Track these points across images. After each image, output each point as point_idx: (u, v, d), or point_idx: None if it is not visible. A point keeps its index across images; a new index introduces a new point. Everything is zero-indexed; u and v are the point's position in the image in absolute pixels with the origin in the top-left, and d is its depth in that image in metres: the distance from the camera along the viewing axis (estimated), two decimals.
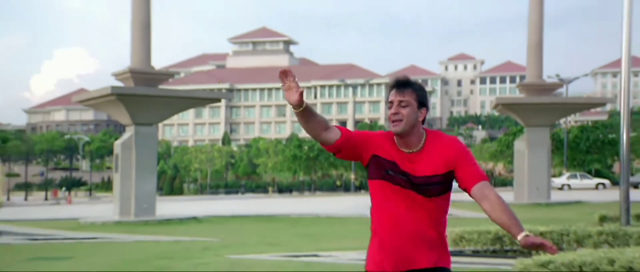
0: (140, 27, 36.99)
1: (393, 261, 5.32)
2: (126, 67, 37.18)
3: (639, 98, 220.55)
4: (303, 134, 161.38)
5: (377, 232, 5.40)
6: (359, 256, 17.38)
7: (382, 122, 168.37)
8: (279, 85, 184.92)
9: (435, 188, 5.23)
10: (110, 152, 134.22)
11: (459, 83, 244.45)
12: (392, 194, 5.35)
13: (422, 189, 5.25)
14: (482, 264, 15.77)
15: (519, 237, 4.96)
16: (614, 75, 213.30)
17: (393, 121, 5.25)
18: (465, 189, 5.25)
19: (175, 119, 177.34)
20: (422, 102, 5.33)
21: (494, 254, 17.25)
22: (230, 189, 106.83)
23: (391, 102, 5.31)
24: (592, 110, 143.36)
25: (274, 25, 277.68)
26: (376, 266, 5.40)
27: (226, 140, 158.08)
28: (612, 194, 45.04)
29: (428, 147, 5.31)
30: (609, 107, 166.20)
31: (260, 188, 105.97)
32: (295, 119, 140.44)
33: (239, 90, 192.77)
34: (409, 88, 5.32)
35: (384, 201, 5.38)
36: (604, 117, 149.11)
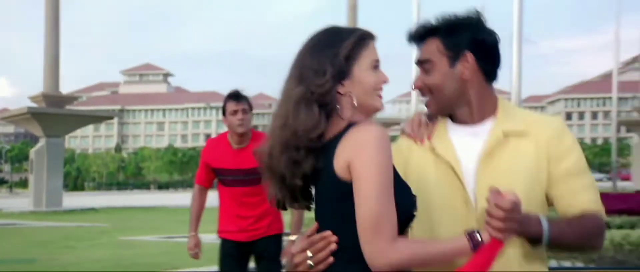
0: (50, 59, 35.97)
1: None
2: (40, 91, 36.11)
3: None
4: (178, 143, 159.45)
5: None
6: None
7: None
8: (159, 107, 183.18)
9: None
10: (27, 158, 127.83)
11: None
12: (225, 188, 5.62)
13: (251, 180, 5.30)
14: None
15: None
16: (407, 102, 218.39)
17: (240, 125, 5.28)
18: None
19: (79, 132, 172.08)
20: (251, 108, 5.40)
21: None
22: (121, 186, 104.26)
23: (235, 111, 5.29)
24: None
25: (155, 61, 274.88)
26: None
27: (118, 149, 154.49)
28: None
29: (251, 145, 5.32)
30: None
31: (144, 186, 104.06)
32: (173, 132, 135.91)
33: (128, 110, 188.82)
34: (244, 99, 5.38)
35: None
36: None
